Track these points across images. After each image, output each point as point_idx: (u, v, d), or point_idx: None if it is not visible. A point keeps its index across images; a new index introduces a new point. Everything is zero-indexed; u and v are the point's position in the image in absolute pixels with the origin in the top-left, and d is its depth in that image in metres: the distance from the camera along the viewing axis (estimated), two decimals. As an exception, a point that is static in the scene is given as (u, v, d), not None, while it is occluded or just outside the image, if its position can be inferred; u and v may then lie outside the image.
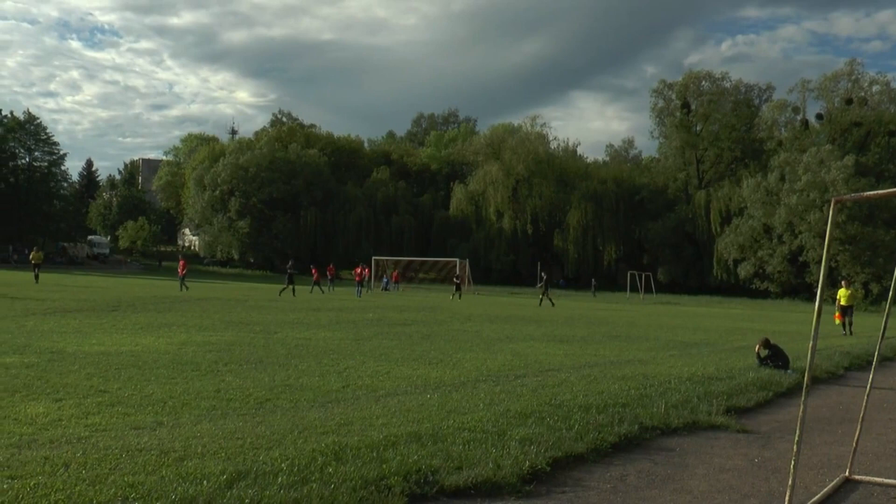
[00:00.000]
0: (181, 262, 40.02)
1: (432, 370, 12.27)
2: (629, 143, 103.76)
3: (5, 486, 5.06)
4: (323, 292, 42.44)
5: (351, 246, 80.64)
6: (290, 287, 38.11)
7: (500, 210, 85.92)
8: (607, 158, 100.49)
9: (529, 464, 6.27)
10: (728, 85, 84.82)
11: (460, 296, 44.21)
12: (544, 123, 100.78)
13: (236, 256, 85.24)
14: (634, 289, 67.78)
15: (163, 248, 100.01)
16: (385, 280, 59.44)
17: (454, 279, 47.52)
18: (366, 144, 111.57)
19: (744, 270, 71.26)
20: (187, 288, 36.80)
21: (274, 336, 16.74)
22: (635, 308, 44.23)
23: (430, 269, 70.30)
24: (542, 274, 44.63)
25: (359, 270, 45.89)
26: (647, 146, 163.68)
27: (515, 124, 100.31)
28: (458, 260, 62.25)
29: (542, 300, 41.06)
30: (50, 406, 8.01)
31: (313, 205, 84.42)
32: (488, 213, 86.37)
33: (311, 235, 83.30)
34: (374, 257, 64.41)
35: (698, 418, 8.84)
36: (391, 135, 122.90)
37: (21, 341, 13.50)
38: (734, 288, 73.08)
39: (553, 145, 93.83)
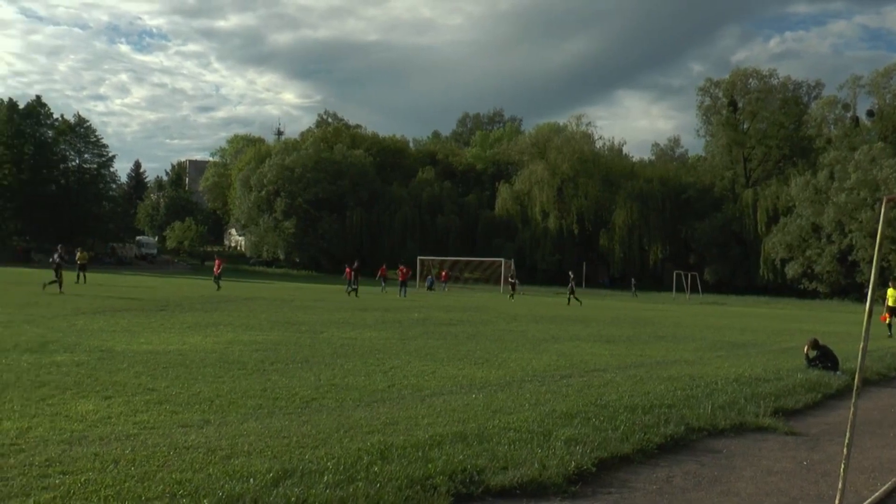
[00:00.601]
0: (217, 262, 40.41)
1: (478, 370, 12.26)
2: (675, 141, 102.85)
3: (57, 482, 5.18)
4: (349, 293, 41.97)
5: (396, 246, 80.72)
6: (355, 287, 39.17)
7: (546, 209, 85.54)
8: (653, 157, 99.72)
9: (575, 464, 6.25)
10: (776, 82, 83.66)
11: (511, 296, 44.32)
12: (589, 123, 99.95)
13: (282, 256, 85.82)
14: (680, 289, 67.11)
15: (210, 249, 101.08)
16: (430, 279, 59.47)
17: (510, 279, 47.38)
18: (411, 144, 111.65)
19: (791, 270, 70.19)
20: (219, 287, 36.92)
21: (320, 336, 16.84)
22: (681, 308, 43.81)
23: (476, 268, 70.18)
24: (570, 273, 44.85)
25: (404, 270, 46.00)
26: (694, 145, 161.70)
27: (561, 124, 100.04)
28: (503, 260, 62.15)
29: (570, 299, 41.76)
30: (99, 404, 8.15)
31: (359, 205, 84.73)
32: (534, 212, 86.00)
33: (356, 235, 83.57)
34: (419, 257, 64.53)
35: (745, 420, 8.74)
36: (436, 135, 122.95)
37: (71, 340, 13.75)
38: (782, 288, 71.92)
39: (598, 144, 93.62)
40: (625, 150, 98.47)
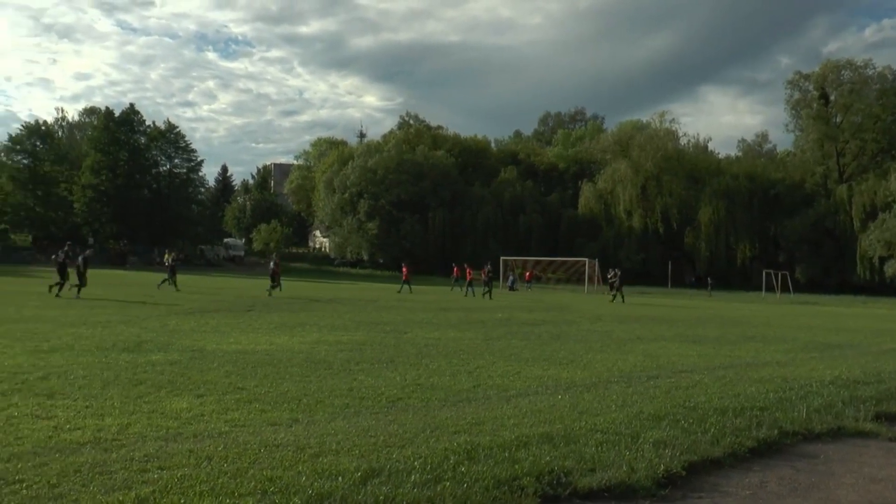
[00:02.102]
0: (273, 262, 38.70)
1: (563, 370, 12.15)
2: (763, 137, 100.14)
3: (155, 476, 5.34)
4: (399, 291, 41.73)
5: (479, 246, 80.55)
6: (489, 290, 40.34)
7: (629, 208, 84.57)
8: (739, 154, 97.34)
9: (664, 467, 6.13)
10: (872, 73, 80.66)
11: (615, 297, 41.70)
12: (673, 119, 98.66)
13: (366, 257, 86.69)
14: (770, 288, 65.37)
15: (294, 250, 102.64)
16: (511, 279, 59.17)
17: (609, 279, 45.16)
18: (492, 145, 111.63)
19: (891, 269, 67.68)
20: (280, 289, 33.70)
21: (404, 336, 16.95)
22: (771, 308, 42.69)
23: (559, 268, 69.68)
24: (616, 270, 43.35)
25: (470, 270, 45.50)
26: (783, 140, 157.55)
27: (644, 121, 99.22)
28: (587, 259, 61.53)
29: (615, 296, 41.04)
30: (192, 402, 8.35)
31: (441, 206, 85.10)
32: (617, 211, 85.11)
33: (439, 236, 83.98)
34: (501, 257, 64.45)
35: (844, 424, 8.42)
36: (518, 134, 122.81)
37: (164, 340, 14.15)
38: (880, 287, 69.31)
39: (683, 141, 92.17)
40: (710, 146, 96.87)
